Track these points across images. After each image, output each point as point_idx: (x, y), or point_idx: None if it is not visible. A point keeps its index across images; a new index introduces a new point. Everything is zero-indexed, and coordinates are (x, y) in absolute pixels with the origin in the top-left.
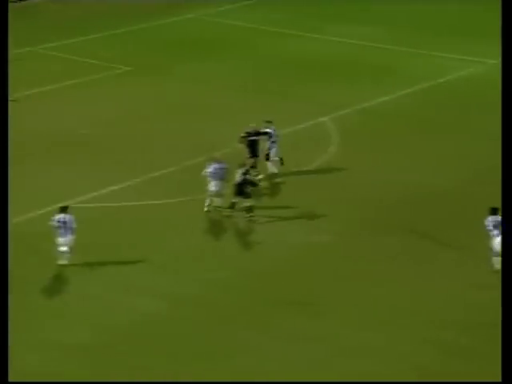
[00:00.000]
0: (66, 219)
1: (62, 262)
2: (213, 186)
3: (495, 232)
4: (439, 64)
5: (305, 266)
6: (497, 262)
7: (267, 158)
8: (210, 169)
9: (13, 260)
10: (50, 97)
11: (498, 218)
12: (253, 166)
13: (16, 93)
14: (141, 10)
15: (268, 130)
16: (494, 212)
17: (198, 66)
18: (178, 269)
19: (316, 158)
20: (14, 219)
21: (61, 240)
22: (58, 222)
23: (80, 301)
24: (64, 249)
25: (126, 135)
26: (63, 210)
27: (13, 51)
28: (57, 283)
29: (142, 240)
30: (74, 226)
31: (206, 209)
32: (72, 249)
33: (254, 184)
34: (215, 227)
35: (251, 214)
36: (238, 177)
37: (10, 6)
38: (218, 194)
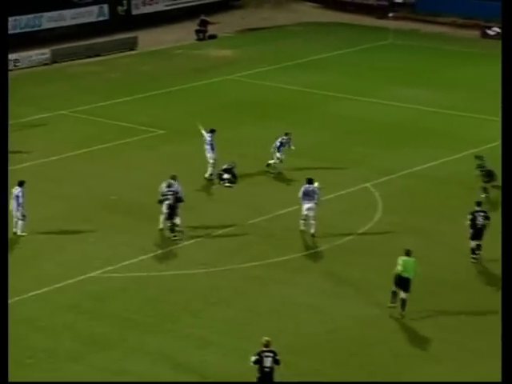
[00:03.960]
0: (18, 193)
1: (18, 231)
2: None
3: (305, 199)
4: (493, 128)
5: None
6: (302, 225)
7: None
8: None
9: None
10: (80, 160)
11: (311, 186)
12: None
13: (46, 156)
14: (177, 71)
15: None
16: (309, 181)
17: (239, 130)
18: (222, 343)
19: (362, 225)
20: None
21: (14, 211)
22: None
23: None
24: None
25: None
26: (20, 184)
27: (44, 115)
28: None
29: (178, 312)
30: (22, 200)
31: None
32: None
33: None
34: (252, 298)
35: None
36: None
37: (45, 68)
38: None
